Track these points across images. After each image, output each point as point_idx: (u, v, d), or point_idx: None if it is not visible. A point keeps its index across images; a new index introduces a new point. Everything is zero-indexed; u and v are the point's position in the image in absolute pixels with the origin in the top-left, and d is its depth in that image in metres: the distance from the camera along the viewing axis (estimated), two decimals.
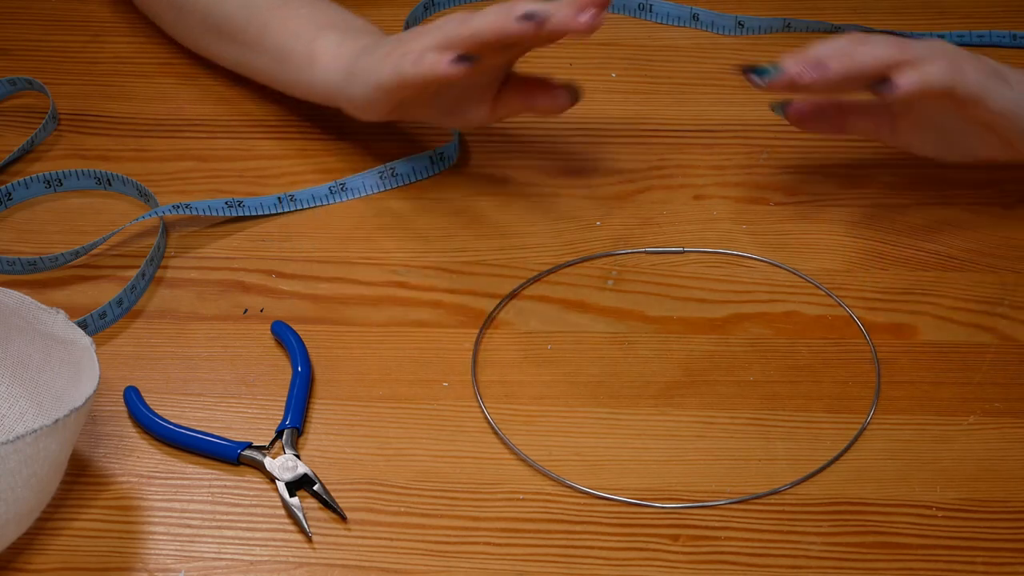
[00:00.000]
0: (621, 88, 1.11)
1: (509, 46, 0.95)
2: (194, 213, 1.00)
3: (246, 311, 0.97)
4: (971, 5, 1.15)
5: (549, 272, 0.98)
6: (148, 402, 0.90)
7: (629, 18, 1.16)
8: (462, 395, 0.91)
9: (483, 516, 0.85)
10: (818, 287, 0.96)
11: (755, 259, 0.98)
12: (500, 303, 0.96)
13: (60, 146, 1.08)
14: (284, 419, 0.89)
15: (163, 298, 0.97)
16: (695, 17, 1.15)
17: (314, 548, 0.84)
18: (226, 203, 1.01)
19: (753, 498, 0.85)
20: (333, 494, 0.86)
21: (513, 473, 0.87)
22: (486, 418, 0.89)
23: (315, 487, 0.86)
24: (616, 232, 1.00)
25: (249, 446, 0.88)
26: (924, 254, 0.98)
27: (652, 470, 0.87)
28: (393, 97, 0.97)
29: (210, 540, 0.85)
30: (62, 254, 0.98)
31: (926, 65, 0.90)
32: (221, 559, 0.84)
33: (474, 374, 0.92)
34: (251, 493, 0.87)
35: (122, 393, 0.91)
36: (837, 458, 0.87)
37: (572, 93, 0.98)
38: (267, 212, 1.02)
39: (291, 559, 0.84)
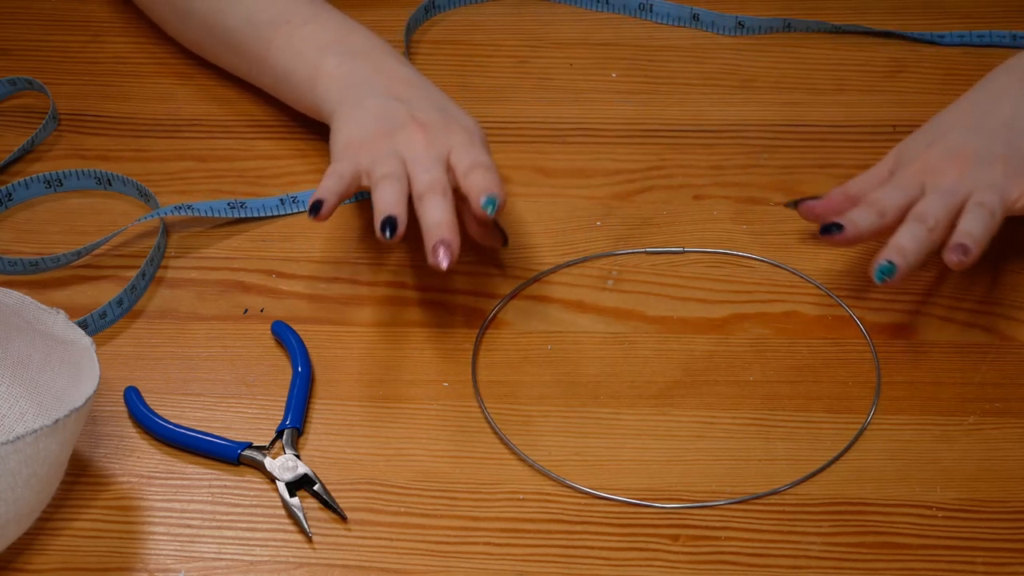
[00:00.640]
0: (621, 88, 1.11)
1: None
2: (197, 214, 1.00)
3: (246, 311, 0.97)
4: (971, 5, 1.15)
5: (549, 272, 0.98)
6: (148, 402, 0.90)
7: (629, 18, 1.16)
8: (462, 395, 0.91)
9: (483, 516, 0.85)
10: (819, 287, 0.96)
11: (755, 259, 0.98)
12: (500, 303, 0.96)
13: (60, 146, 1.08)
14: (284, 419, 0.89)
15: (163, 298, 0.97)
16: (695, 17, 1.15)
17: (314, 548, 0.84)
18: (228, 204, 1.01)
19: (753, 498, 0.85)
20: (333, 494, 0.86)
21: (513, 473, 0.87)
22: (486, 418, 0.89)
23: (315, 487, 0.86)
24: (616, 232, 1.00)
25: (249, 446, 0.88)
26: None
27: (652, 470, 0.87)
28: None
29: (210, 540, 0.85)
30: (63, 254, 0.98)
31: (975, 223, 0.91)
32: (221, 559, 0.84)
33: (474, 374, 0.92)
34: (251, 493, 0.87)
35: (122, 393, 0.91)
36: (837, 458, 0.87)
37: (503, 237, 0.98)
38: (269, 214, 1.02)
39: (291, 559, 0.84)
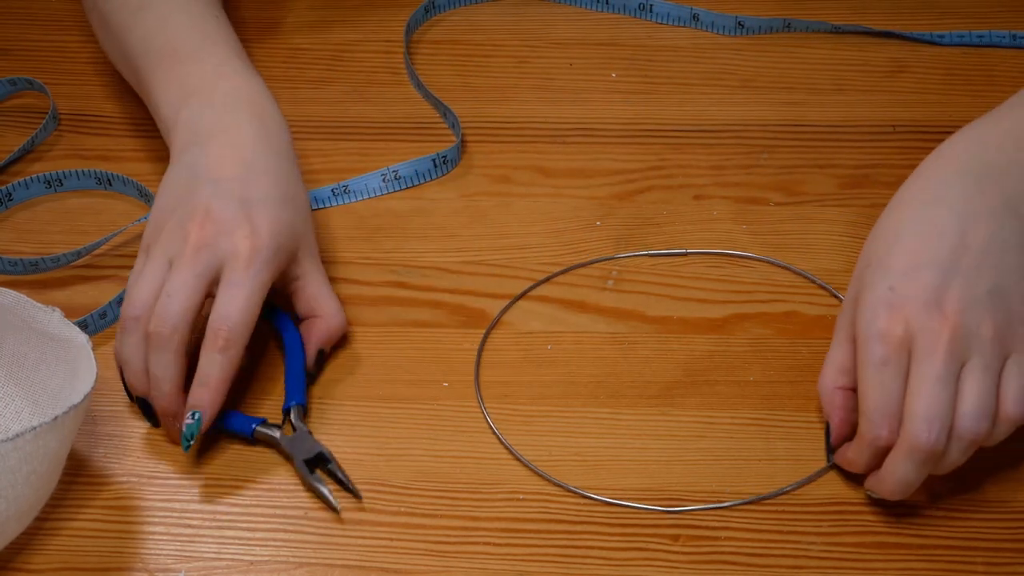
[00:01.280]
0: (621, 88, 1.11)
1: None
2: None
3: None
4: (971, 5, 1.15)
5: (560, 273, 0.98)
6: None
7: (629, 18, 1.16)
8: (462, 395, 0.91)
9: (483, 516, 0.85)
10: (823, 286, 0.96)
11: (757, 259, 0.98)
12: (507, 305, 0.96)
13: (60, 146, 1.08)
14: (288, 398, 0.89)
15: None
16: (695, 17, 1.15)
17: (314, 548, 0.84)
18: None
19: (753, 498, 0.85)
20: (333, 494, 0.86)
21: (513, 473, 0.87)
22: (486, 421, 0.89)
23: (330, 465, 0.86)
24: (616, 232, 1.00)
25: (264, 422, 0.88)
26: None
27: (652, 470, 0.87)
28: None
29: (210, 540, 0.85)
30: (63, 254, 0.98)
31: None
32: (221, 559, 0.84)
33: (477, 377, 0.92)
34: (251, 493, 0.87)
35: (124, 393, 0.91)
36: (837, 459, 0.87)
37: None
38: None
39: (291, 559, 0.84)
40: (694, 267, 0.98)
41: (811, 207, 1.01)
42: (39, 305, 0.88)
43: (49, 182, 1.04)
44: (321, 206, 1.02)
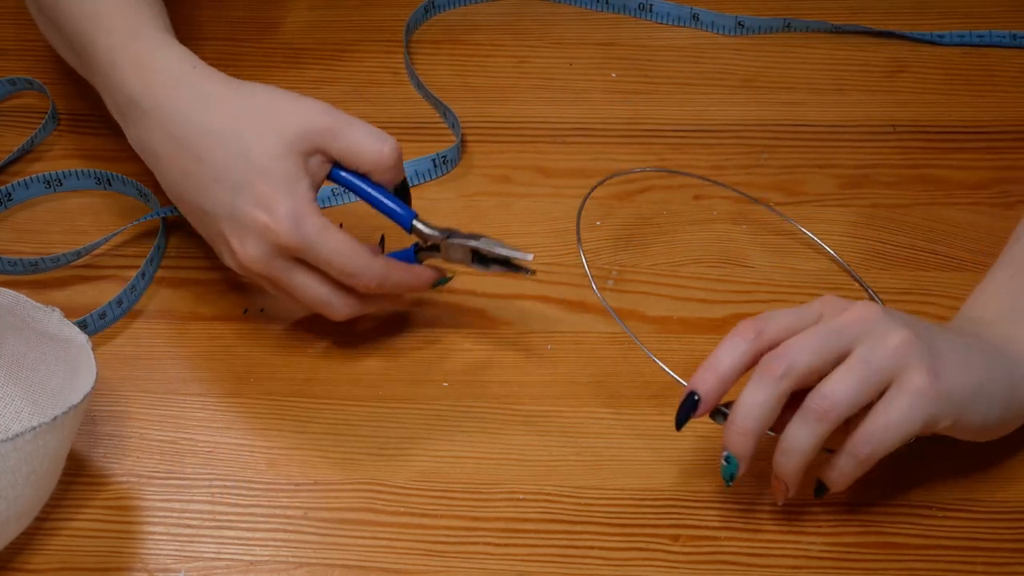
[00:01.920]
0: (621, 88, 1.11)
1: None
2: None
3: (246, 311, 0.97)
4: (971, 5, 1.15)
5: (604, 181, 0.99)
6: (148, 402, 0.91)
7: (629, 18, 1.16)
8: (462, 395, 0.91)
9: (483, 516, 0.85)
10: (850, 273, 0.96)
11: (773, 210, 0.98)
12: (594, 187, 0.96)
13: (60, 146, 1.08)
14: (402, 216, 0.91)
15: (163, 298, 0.97)
16: (695, 17, 1.15)
17: (314, 548, 0.84)
18: None
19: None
20: (333, 494, 0.86)
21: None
22: (597, 296, 0.90)
23: (481, 242, 0.89)
24: (616, 232, 1.00)
25: (418, 216, 0.90)
26: (924, 254, 0.98)
27: (652, 470, 0.87)
28: None
29: (210, 540, 0.85)
30: (63, 254, 0.98)
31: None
32: (221, 559, 0.84)
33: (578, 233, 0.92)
34: (251, 493, 0.87)
35: (124, 392, 0.91)
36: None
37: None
38: None
39: (291, 559, 0.84)
40: (694, 267, 0.98)
41: (811, 207, 1.01)
42: (39, 305, 0.88)
43: (49, 182, 1.04)
44: (321, 206, 1.02)
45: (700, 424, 0.89)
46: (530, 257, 0.87)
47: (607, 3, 1.16)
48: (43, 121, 1.08)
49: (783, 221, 1.00)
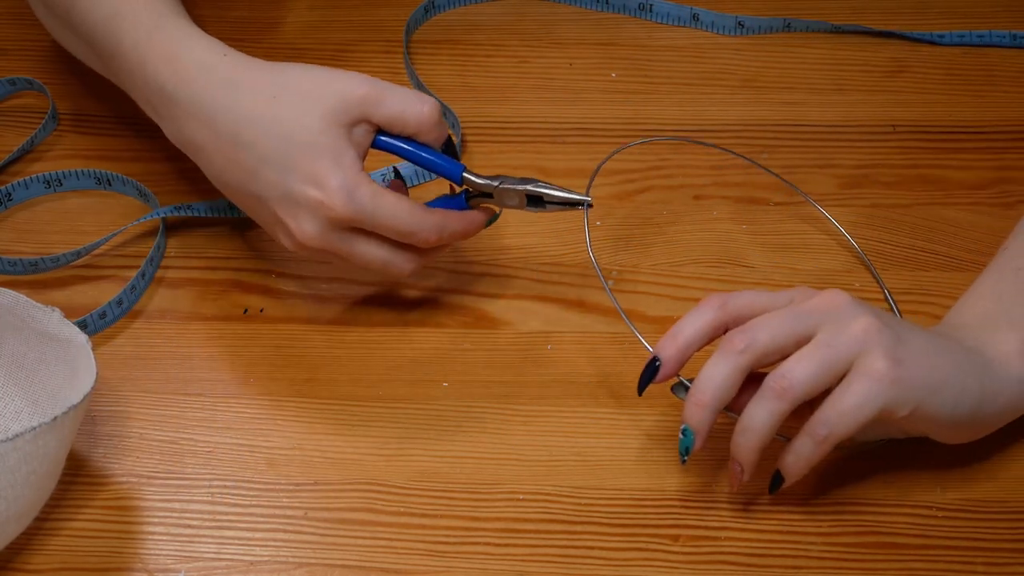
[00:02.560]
0: (621, 88, 1.11)
1: None
2: (197, 214, 1.00)
3: (246, 311, 0.97)
4: (971, 5, 1.15)
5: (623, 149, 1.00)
6: (148, 402, 0.91)
7: (629, 18, 1.16)
8: (462, 395, 0.91)
9: (482, 516, 0.85)
10: (871, 270, 0.96)
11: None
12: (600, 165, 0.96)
13: (60, 146, 1.08)
14: (452, 170, 0.91)
15: (163, 298, 0.97)
16: (695, 17, 1.15)
17: (314, 548, 0.84)
18: (229, 204, 1.01)
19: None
20: (333, 494, 0.86)
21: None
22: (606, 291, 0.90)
23: (538, 186, 0.91)
24: (616, 232, 1.00)
25: (467, 168, 0.91)
26: (924, 254, 0.98)
27: (652, 470, 0.87)
28: None
29: (210, 540, 0.85)
30: (63, 254, 0.98)
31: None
32: (221, 559, 0.84)
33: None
34: (251, 493, 0.87)
35: (124, 392, 0.91)
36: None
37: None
38: None
39: (291, 559, 0.84)
40: (694, 267, 0.98)
41: (811, 207, 1.01)
42: (38, 305, 0.88)
43: (49, 182, 1.04)
44: None
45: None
46: (586, 195, 0.88)
47: (607, 3, 1.16)
48: (43, 121, 1.08)
49: (783, 221, 1.00)
